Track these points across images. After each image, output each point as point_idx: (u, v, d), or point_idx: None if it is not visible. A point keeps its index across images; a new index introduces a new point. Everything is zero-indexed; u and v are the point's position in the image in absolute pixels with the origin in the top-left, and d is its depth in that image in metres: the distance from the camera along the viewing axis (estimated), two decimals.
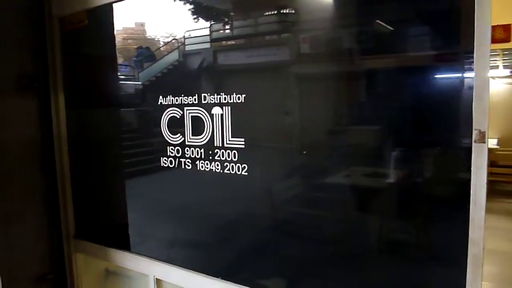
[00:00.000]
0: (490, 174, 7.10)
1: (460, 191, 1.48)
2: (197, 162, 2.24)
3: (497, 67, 7.72)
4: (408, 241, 1.78)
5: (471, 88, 1.46)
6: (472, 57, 1.46)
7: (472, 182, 1.45)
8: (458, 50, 1.62)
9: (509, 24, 6.06)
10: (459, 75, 1.61)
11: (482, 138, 1.42)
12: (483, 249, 1.53)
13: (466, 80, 1.53)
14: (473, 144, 1.44)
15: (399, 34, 1.76)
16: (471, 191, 1.46)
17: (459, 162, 1.52)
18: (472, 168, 1.44)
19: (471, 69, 1.46)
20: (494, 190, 7.29)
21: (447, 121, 1.62)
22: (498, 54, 7.66)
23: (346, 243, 1.93)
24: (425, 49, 1.71)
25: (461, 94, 1.55)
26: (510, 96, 7.80)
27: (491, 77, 7.71)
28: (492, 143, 7.39)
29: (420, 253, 1.76)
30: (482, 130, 1.42)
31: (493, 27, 5.71)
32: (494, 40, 6.15)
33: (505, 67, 7.71)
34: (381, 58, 1.78)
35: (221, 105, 2.11)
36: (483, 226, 1.49)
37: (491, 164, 7.17)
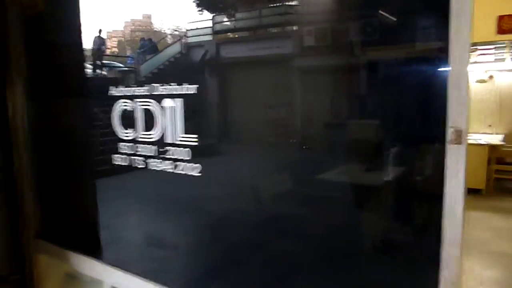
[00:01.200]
0: (495, 171, 6.74)
1: (430, 206, 1.19)
2: (149, 160, 1.98)
3: (503, 59, 7.29)
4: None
5: (444, 74, 1.15)
6: (446, 35, 1.15)
7: (446, 193, 1.16)
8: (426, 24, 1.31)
9: None
10: (426, 54, 1.30)
11: (459, 138, 1.12)
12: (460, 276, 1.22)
13: (436, 64, 1.23)
14: (447, 145, 1.14)
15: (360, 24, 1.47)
16: (445, 205, 1.17)
17: (429, 169, 1.23)
18: (446, 176, 1.15)
19: (444, 50, 1.16)
20: (500, 188, 6.92)
21: (410, 118, 1.32)
22: (505, 46, 7.23)
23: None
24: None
25: (431, 82, 1.24)
26: None
27: (499, 70, 7.31)
28: (498, 139, 7.00)
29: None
30: (459, 128, 1.12)
31: (500, 17, 5.34)
32: (501, 31, 5.77)
33: None
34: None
35: (172, 96, 1.84)
36: (459, 246, 1.19)
37: (497, 161, 6.79)
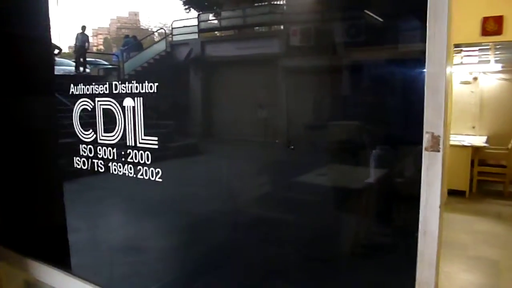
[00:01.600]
0: (479, 173, 6.70)
1: (404, 218, 1.07)
2: (110, 164, 1.82)
3: (488, 61, 7.27)
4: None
5: (420, 76, 1.03)
6: (424, 36, 1.03)
7: (421, 204, 1.04)
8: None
9: (501, 16, 5.61)
10: (402, 56, 1.18)
11: (436, 145, 1.00)
12: None
13: (412, 65, 1.11)
14: (424, 152, 1.02)
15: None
16: (420, 217, 1.04)
17: (405, 178, 1.11)
18: (422, 186, 1.03)
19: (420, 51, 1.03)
20: (483, 190, 6.89)
21: (384, 123, 1.20)
22: (489, 48, 7.20)
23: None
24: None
25: (406, 85, 1.12)
26: (501, 92, 7.37)
27: (483, 72, 7.29)
28: (482, 140, 6.97)
29: None
30: (436, 133, 1.00)
31: (485, 19, 5.27)
32: (485, 33, 5.71)
33: (496, 61, 7.26)
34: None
35: (132, 95, 1.69)
36: (435, 264, 1.07)
37: (481, 163, 6.76)
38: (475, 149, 6.65)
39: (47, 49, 2.18)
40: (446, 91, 0.98)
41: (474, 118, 7.56)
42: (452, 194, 6.47)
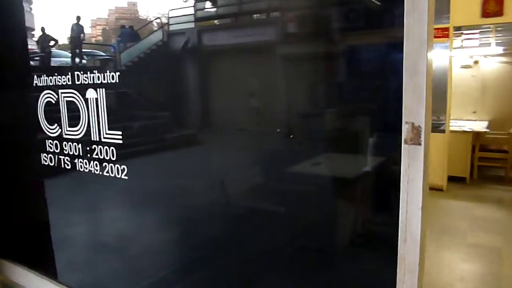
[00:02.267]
0: (479, 159, 6.54)
1: (382, 220, 0.93)
2: (76, 160, 1.69)
3: (489, 44, 7.04)
4: None
5: (397, 57, 0.87)
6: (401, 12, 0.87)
7: (401, 205, 0.89)
8: None
9: None
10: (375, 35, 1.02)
11: (417, 137, 0.85)
12: None
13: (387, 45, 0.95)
14: (403, 146, 0.87)
15: None
16: (400, 220, 0.90)
17: (381, 174, 0.96)
18: (401, 184, 0.88)
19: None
20: (484, 176, 6.74)
21: (356, 111, 1.05)
22: (490, 31, 6.98)
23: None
24: None
25: (383, 69, 0.96)
26: (503, 76, 7.15)
27: (484, 55, 7.07)
28: (482, 126, 6.78)
29: None
30: (417, 123, 0.85)
31: (485, 0, 5.06)
32: (486, 14, 5.50)
33: (497, 44, 7.03)
34: None
35: (95, 86, 1.54)
36: (417, 269, 0.93)
37: (482, 148, 6.59)
38: (476, 135, 6.48)
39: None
40: (428, 73, 0.83)
41: (475, 102, 7.36)
42: (453, 181, 6.32)
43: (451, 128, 6.20)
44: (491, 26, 6.71)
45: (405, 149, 0.86)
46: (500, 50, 6.95)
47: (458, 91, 7.23)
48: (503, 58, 7.04)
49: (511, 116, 6.44)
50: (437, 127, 6.23)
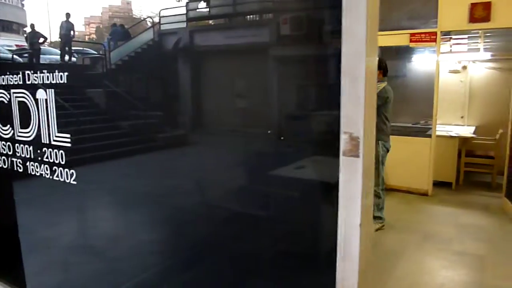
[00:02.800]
0: (466, 164, 6.50)
1: (318, 238, 0.86)
2: (28, 163, 1.61)
3: (477, 50, 7.02)
4: None
5: (334, 63, 0.80)
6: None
7: (339, 223, 0.82)
8: None
9: (490, 2, 5.35)
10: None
11: (355, 148, 0.78)
12: None
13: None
14: (341, 158, 0.80)
15: None
16: (339, 238, 0.83)
17: (317, 189, 0.89)
18: (339, 200, 0.81)
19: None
20: (470, 182, 6.70)
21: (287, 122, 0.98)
22: (479, 36, 6.95)
23: None
24: None
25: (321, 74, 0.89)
26: (490, 81, 7.12)
27: (472, 60, 7.03)
28: (470, 131, 6.75)
29: None
30: (355, 134, 0.78)
31: (473, 5, 5.02)
32: (473, 20, 5.47)
33: (486, 50, 7.00)
34: None
35: (44, 87, 1.46)
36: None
37: (468, 153, 6.55)
38: (463, 140, 6.45)
39: None
40: (369, 80, 0.76)
41: (463, 108, 7.33)
42: (439, 186, 6.28)
43: (438, 133, 6.16)
44: (480, 31, 6.68)
45: (343, 162, 0.79)
46: (488, 56, 6.93)
47: (446, 96, 7.20)
48: (491, 64, 7.02)
49: (498, 122, 6.40)
50: (423, 132, 6.20)
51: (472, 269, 3.76)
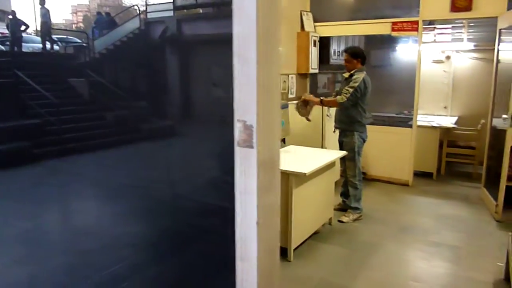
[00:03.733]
0: (447, 155, 6.47)
1: (218, 236, 0.77)
2: None
3: (461, 40, 6.94)
4: None
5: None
6: None
7: (237, 222, 0.74)
8: None
9: None
10: None
11: (249, 138, 0.69)
12: None
13: None
14: (236, 149, 0.72)
15: None
16: (237, 234, 0.74)
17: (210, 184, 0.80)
18: (235, 195, 0.73)
19: None
20: (451, 172, 6.68)
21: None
22: (463, 26, 6.88)
23: None
24: None
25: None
26: (473, 72, 7.05)
27: (455, 50, 6.96)
28: (451, 121, 6.70)
29: None
30: (249, 122, 0.69)
31: None
32: (455, 9, 5.38)
33: (469, 40, 6.93)
34: None
35: None
36: None
37: (449, 144, 6.51)
38: (445, 130, 6.40)
39: None
40: (261, 63, 0.67)
41: (446, 98, 7.28)
42: (420, 176, 6.25)
43: (420, 124, 6.11)
44: (464, 21, 6.61)
45: (238, 153, 0.70)
46: (471, 46, 6.86)
47: (430, 86, 7.15)
48: (475, 54, 6.95)
49: (480, 112, 6.35)
50: (406, 122, 6.14)
51: (447, 260, 3.72)
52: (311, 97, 4.43)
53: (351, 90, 4.23)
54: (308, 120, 4.51)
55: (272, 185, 0.72)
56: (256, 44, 0.66)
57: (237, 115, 0.69)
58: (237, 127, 0.69)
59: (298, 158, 4.05)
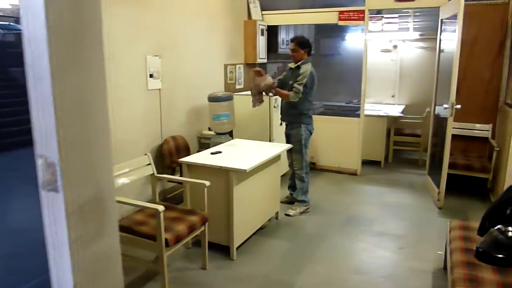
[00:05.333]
0: (395, 143, 6.53)
1: None
2: None
3: (407, 29, 6.98)
4: None
5: None
6: None
7: (52, 281, 0.56)
8: None
9: None
10: None
11: (54, 179, 0.51)
12: None
13: None
14: (42, 194, 0.54)
15: None
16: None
17: None
18: (48, 249, 0.55)
19: None
20: (399, 160, 6.76)
21: None
22: (409, 15, 6.92)
23: None
24: None
25: None
26: (419, 61, 7.12)
27: (402, 40, 6.99)
28: (398, 110, 6.76)
29: None
30: (51, 159, 0.51)
31: None
32: None
33: (415, 29, 6.98)
34: None
35: None
36: None
37: (397, 132, 6.57)
38: (392, 119, 6.45)
39: None
40: (57, 80, 0.49)
41: (394, 86, 7.33)
42: (369, 165, 6.27)
43: (368, 113, 6.11)
44: (410, 10, 6.63)
45: (44, 198, 0.52)
46: (417, 35, 6.92)
47: (378, 75, 7.18)
48: (420, 43, 7.02)
49: (425, 100, 6.44)
50: (355, 111, 6.13)
51: (389, 250, 3.70)
52: (268, 83, 4.20)
53: (300, 88, 4.10)
54: (259, 104, 4.31)
55: (102, 232, 0.55)
56: (48, 51, 0.48)
57: (38, 148, 0.51)
58: (39, 165, 0.52)
59: (242, 153, 3.90)
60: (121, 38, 3.65)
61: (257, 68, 4.23)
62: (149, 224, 2.96)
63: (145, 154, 3.43)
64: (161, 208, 2.73)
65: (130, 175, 3.24)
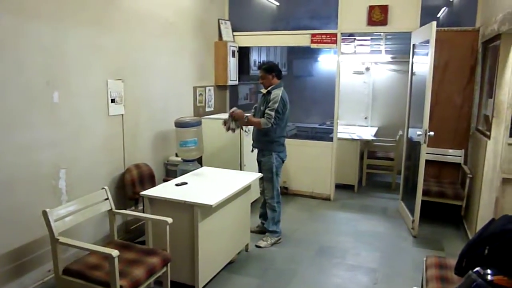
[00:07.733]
0: (368, 166, 6.42)
1: None
2: None
3: (380, 51, 6.95)
4: None
5: None
6: None
7: None
8: None
9: (387, 5, 5.18)
10: None
11: None
12: None
13: None
14: None
15: None
16: None
17: None
18: None
19: None
20: (372, 183, 6.65)
21: None
22: (381, 38, 6.89)
23: None
24: None
25: None
26: (391, 83, 7.09)
27: (374, 62, 6.95)
28: (371, 133, 6.66)
29: None
30: None
31: (371, 8, 4.76)
32: (371, 22, 5.28)
33: (387, 52, 6.96)
34: None
35: None
36: None
37: (370, 155, 6.46)
38: (365, 142, 6.34)
39: None
40: None
41: (366, 108, 7.27)
42: (342, 189, 6.13)
43: (341, 136, 5.98)
44: (382, 34, 6.60)
45: None
46: (388, 58, 6.89)
47: (351, 97, 7.10)
48: (392, 66, 7.00)
49: (398, 123, 6.37)
50: (328, 134, 5.99)
51: (363, 285, 3.51)
52: (239, 113, 4.00)
53: (272, 114, 3.91)
54: (233, 131, 4.09)
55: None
56: None
57: None
58: None
59: (209, 184, 3.65)
60: (77, 61, 3.36)
61: (232, 112, 4.03)
62: (103, 268, 2.66)
63: (102, 188, 3.14)
64: (115, 253, 2.44)
65: (85, 213, 2.94)
